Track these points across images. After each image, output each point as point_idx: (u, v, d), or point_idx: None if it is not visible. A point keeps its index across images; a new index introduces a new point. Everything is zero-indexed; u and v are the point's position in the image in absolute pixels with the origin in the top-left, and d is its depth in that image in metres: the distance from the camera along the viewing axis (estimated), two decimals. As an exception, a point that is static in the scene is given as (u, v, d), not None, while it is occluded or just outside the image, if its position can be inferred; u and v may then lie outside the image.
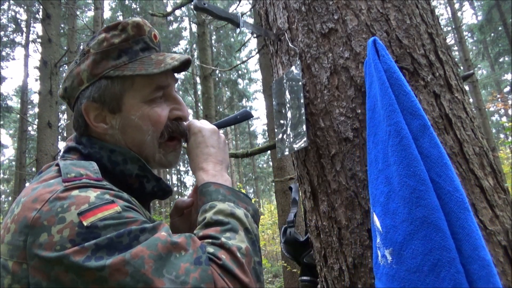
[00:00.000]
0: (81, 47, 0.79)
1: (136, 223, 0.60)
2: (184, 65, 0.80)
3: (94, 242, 0.55)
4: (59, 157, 0.78)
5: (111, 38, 0.75)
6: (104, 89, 0.74)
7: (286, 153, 1.08)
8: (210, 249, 0.63)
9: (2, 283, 0.57)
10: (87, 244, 0.54)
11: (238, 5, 10.07)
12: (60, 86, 0.81)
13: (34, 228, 0.55)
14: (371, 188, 0.80)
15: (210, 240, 0.65)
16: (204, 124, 0.89)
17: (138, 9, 17.31)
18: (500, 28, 15.40)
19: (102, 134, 0.77)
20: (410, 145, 0.71)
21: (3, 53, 16.26)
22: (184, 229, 0.90)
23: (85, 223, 0.56)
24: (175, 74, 0.85)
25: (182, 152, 0.89)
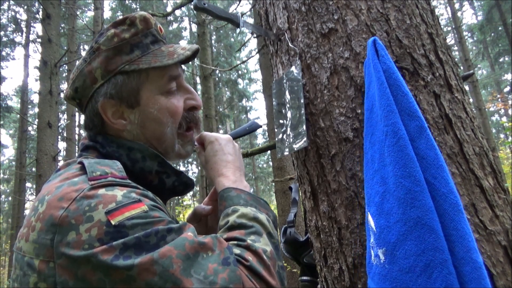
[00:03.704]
0: (85, 45, 0.78)
1: (163, 222, 0.60)
2: (193, 55, 0.81)
3: (122, 241, 0.54)
4: (77, 155, 0.77)
5: (121, 33, 0.75)
6: (121, 85, 0.74)
7: (286, 153, 1.09)
8: (237, 251, 0.63)
9: (27, 281, 0.56)
10: (115, 243, 0.54)
11: (238, 5, 10.07)
12: (67, 87, 0.79)
13: (62, 226, 0.55)
14: (367, 188, 0.80)
15: (235, 242, 0.65)
16: (218, 134, 0.91)
17: (138, 9, 17.31)
18: (500, 28, 15.40)
19: (119, 130, 0.76)
20: (407, 146, 0.71)
21: (3, 53, 16.26)
22: (200, 234, 0.92)
23: (113, 222, 0.55)
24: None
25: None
